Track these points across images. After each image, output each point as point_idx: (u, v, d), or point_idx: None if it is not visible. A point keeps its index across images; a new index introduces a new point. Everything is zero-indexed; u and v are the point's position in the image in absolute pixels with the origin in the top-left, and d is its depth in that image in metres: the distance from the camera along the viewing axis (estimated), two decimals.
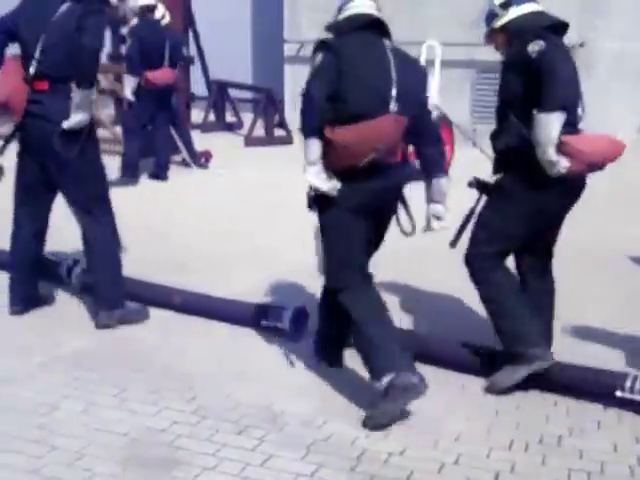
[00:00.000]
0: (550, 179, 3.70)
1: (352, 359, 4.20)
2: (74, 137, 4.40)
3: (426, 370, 4.10)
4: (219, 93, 12.69)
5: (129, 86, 8.95)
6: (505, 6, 3.97)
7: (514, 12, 3.94)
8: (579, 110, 3.89)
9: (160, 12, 9.23)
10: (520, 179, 3.83)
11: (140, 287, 5.03)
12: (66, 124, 4.34)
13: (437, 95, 8.97)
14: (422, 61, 9.22)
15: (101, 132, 11.30)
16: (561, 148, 3.64)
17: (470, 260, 3.99)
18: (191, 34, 12.24)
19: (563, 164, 3.63)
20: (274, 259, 5.74)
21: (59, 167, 4.49)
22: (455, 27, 10.85)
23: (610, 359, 4.16)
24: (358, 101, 3.59)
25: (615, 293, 5.31)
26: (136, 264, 5.38)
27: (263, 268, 5.54)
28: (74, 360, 4.17)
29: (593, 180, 4.05)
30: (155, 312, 4.87)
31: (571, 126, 3.73)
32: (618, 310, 4.94)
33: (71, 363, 4.13)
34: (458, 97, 10.66)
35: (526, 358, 3.81)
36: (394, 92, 3.67)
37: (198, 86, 12.61)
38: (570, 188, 3.89)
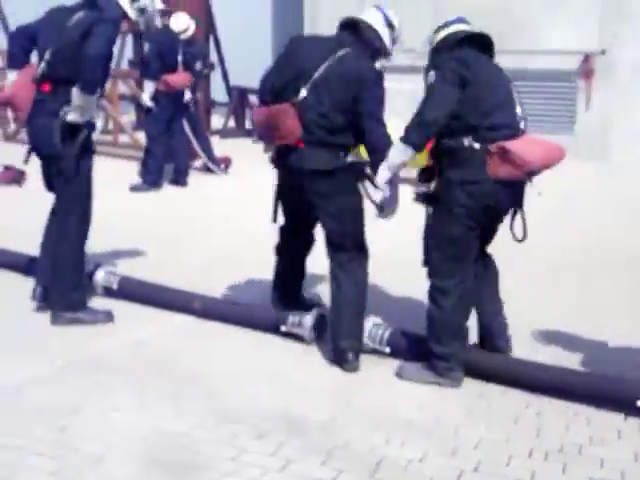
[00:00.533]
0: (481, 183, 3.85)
1: (370, 364, 4.22)
2: (71, 136, 4.56)
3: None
4: (239, 99, 12.74)
5: (147, 91, 9.01)
6: (437, 30, 4.26)
7: (442, 33, 4.21)
8: (516, 116, 4.00)
9: (184, 22, 9.32)
10: (455, 183, 3.92)
11: (160, 292, 5.06)
12: (64, 117, 4.53)
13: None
14: None
15: (121, 138, 11.44)
16: (503, 155, 3.78)
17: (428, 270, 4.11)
18: (212, 41, 12.31)
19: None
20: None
21: (53, 164, 4.68)
22: None
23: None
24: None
25: None
26: (158, 269, 5.44)
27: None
28: (96, 363, 4.20)
29: None
30: (175, 316, 4.90)
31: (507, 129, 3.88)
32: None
33: (92, 366, 4.16)
34: None
35: (440, 371, 4.00)
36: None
37: (218, 92, 12.69)
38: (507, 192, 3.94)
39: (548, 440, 3.50)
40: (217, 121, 12.74)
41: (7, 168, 8.98)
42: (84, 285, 4.92)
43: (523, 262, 6.05)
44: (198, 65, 9.64)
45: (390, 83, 9.02)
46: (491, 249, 4.33)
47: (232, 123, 12.80)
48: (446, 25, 4.24)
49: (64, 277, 4.74)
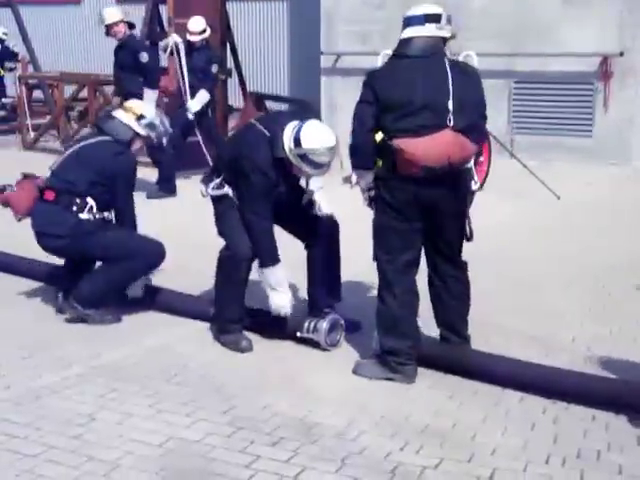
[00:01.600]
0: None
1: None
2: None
3: (459, 383, 4.09)
4: (256, 105, 12.74)
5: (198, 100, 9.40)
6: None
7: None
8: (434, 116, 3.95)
9: (202, 24, 9.45)
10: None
11: (177, 300, 5.09)
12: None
13: None
14: None
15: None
16: (400, 153, 3.90)
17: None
18: (229, 47, 12.34)
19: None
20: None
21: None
22: (493, 37, 10.80)
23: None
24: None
25: None
26: (179, 276, 5.44)
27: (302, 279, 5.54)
28: (111, 371, 4.21)
29: None
30: (191, 323, 4.91)
31: (409, 131, 3.91)
32: None
33: (108, 374, 4.17)
34: (495, 108, 10.57)
35: (393, 366, 4.09)
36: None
37: (236, 98, 12.70)
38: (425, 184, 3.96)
39: (566, 446, 3.46)
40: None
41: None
42: (109, 294, 5.00)
43: (541, 265, 6.03)
44: (214, 68, 9.72)
45: None
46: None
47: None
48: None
49: (97, 281, 4.93)
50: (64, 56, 14.63)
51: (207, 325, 4.86)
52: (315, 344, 4.51)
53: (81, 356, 4.39)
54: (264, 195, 4.37)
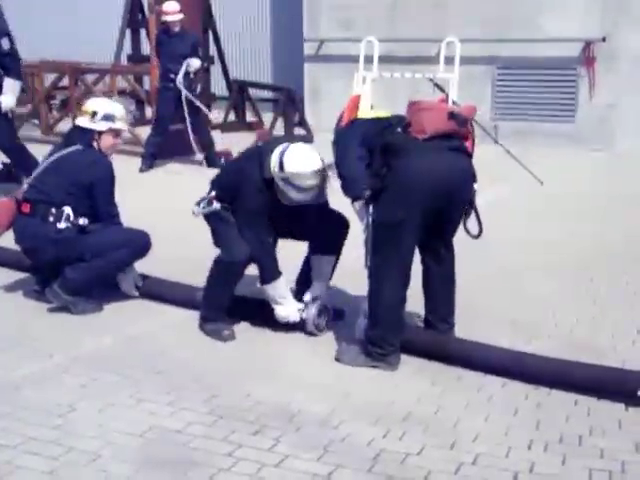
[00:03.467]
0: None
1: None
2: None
3: (443, 370, 4.09)
4: (239, 93, 12.68)
5: None
6: None
7: None
8: None
9: (176, 7, 9.44)
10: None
11: (164, 287, 5.11)
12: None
13: (457, 92, 8.90)
14: (441, 58, 9.18)
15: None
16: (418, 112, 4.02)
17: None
18: (211, 35, 12.26)
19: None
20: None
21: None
22: (475, 24, 10.78)
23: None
24: None
25: None
26: (164, 264, 5.41)
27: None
28: (92, 361, 4.18)
29: None
30: (173, 312, 4.89)
31: None
32: None
33: (89, 364, 4.14)
34: (478, 94, 10.58)
35: (376, 356, 4.08)
36: None
37: (218, 86, 12.64)
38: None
39: (548, 431, 3.47)
40: (217, 115, 12.68)
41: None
42: (94, 283, 4.98)
43: (523, 250, 6.04)
44: (199, 52, 9.70)
45: (389, 72, 9.02)
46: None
47: (232, 117, 12.75)
48: None
49: (83, 270, 4.87)
50: (45, 44, 14.47)
51: (189, 314, 4.84)
52: (300, 329, 4.49)
53: (61, 346, 4.36)
54: (260, 214, 4.36)
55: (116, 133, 5.11)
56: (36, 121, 12.24)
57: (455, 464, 3.20)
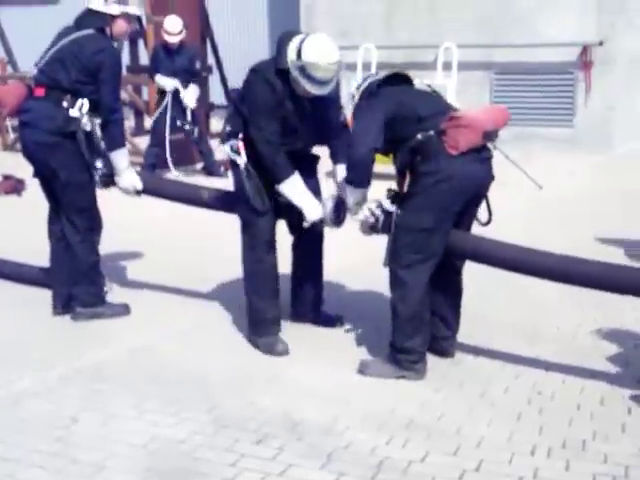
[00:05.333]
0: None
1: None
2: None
3: (445, 376, 4.09)
4: (231, 98, 12.71)
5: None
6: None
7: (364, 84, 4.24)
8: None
9: (179, 25, 9.45)
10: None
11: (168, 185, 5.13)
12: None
13: (455, 97, 8.93)
14: (439, 63, 9.21)
15: None
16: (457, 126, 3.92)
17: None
18: (209, 44, 12.28)
19: None
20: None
21: (48, 175, 4.83)
22: (472, 29, 10.81)
23: None
24: None
25: None
26: (153, 269, 5.40)
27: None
28: (94, 372, 4.17)
29: None
30: (175, 323, 4.88)
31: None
32: None
33: (91, 375, 4.13)
34: (476, 99, 10.59)
35: (405, 364, 4.04)
36: None
37: (217, 95, 12.65)
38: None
39: (551, 436, 3.46)
40: (216, 124, 12.68)
41: (6, 177, 8.97)
42: (101, 281, 5.00)
43: None
44: (197, 64, 9.75)
45: None
46: None
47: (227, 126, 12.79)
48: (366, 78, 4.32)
49: (82, 275, 4.86)
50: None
51: (190, 324, 4.84)
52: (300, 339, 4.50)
53: (63, 357, 4.35)
54: (269, 109, 4.17)
55: (129, 18, 4.94)
56: None
57: (459, 470, 3.20)
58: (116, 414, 3.69)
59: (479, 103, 10.57)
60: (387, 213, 4.13)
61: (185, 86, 9.57)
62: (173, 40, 9.49)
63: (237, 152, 4.33)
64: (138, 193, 4.91)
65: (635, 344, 4.47)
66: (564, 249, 6.14)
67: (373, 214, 4.15)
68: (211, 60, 12.46)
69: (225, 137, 4.46)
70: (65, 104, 4.68)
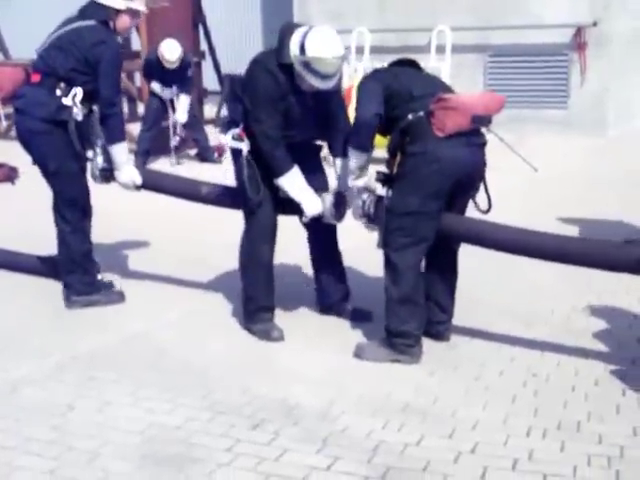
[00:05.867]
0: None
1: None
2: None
3: (439, 360, 4.10)
4: (231, 87, 12.66)
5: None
6: None
7: None
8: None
9: (177, 51, 9.37)
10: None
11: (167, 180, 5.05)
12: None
13: (449, 80, 8.90)
14: (433, 46, 9.18)
15: None
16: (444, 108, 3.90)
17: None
18: (201, 29, 12.23)
19: None
20: (288, 251, 5.71)
21: (41, 162, 4.81)
22: (466, 11, 10.77)
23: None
24: None
25: None
26: (153, 259, 5.39)
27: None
28: (90, 359, 4.17)
29: None
30: (171, 310, 4.88)
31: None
32: None
33: (87, 362, 4.13)
34: (470, 82, 10.57)
35: (401, 348, 4.05)
36: None
37: (210, 81, 12.61)
38: None
39: (546, 418, 3.47)
40: (209, 110, 12.67)
41: None
42: (95, 269, 5.01)
43: None
44: (190, 72, 9.67)
45: (380, 63, 9.00)
46: None
47: (225, 111, 12.74)
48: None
49: (75, 264, 4.87)
50: (34, 43, 14.44)
51: (185, 312, 4.85)
52: (295, 326, 4.50)
53: (59, 345, 4.36)
54: (270, 102, 4.13)
55: (134, 14, 4.87)
56: None
57: (454, 453, 3.21)
58: (112, 401, 3.70)
59: (473, 85, 10.57)
60: (378, 200, 4.15)
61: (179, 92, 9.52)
62: (171, 67, 9.39)
63: (240, 139, 4.30)
64: (137, 188, 4.89)
65: (629, 324, 4.49)
66: (560, 231, 6.16)
67: (364, 201, 4.16)
68: (204, 46, 12.41)
69: (225, 126, 4.42)
70: (59, 92, 4.65)
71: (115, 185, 4.98)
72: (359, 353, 4.15)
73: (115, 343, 4.40)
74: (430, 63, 9.04)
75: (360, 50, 9.82)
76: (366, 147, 4.08)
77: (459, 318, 4.39)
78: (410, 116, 3.94)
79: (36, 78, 4.74)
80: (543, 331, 4.40)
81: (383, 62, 7.97)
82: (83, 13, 4.79)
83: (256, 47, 14.58)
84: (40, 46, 4.84)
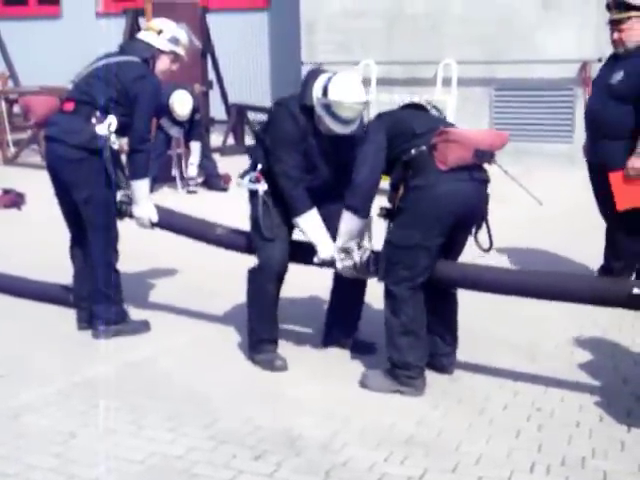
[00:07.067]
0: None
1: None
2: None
3: (443, 393, 4.08)
4: (238, 116, 12.74)
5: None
6: None
7: None
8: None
9: (189, 105, 9.35)
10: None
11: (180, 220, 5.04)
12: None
13: (454, 114, 8.96)
14: (439, 79, 9.25)
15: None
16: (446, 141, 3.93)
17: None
18: (209, 59, 12.33)
19: None
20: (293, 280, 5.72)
21: (70, 191, 4.76)
22: (472, 45, 10.85)
23: None
24: None
25: None
26: (156, 284, 5.39)
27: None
28: (92, 387, 4.16)
29: None
30: (175, 337, 4.87)
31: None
32: None
33: (89, 390, 4.12)
34: (476, 115, 10.63)
35: (404, 380, 4.04)
36: None
37: (217, 110, 12.69)
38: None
39: (550, 454, 3.45)
40: (216, 139, 12.74)
41: (6, 191, 8.99)
42: (122, 299, 4.99)
43: None
44: (197, 116, 9.65)
45: (384, 95, 9.05)
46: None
47: (231, 140, 12.79)
48: None
49: (102, 294, 4.84)
50: (44, 70, 14.55)
51: (190, 339, 4.84)
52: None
53: (62, 372, 4.35)
54: (291, 143, 4.19)
55: (175, 58, 4.97)
56: (35, 146, 12.29)
57: None
58: (114, 429, 3.69)
59: (479, 119, 10.65)
60: (365, 252, 4.21)
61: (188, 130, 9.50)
62: (182, 120, 9.36)
63: (256, 181, 4.36)
64: (152, 225, 4.91)
65: (634, 360, 4.47)
66: (565, 266, 6.16)
67: (355, 263, 4.19)
68: (212, 75, 12.51)
69: (243, 172, 4.47)
70: (94, 120, 4.66)
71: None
72: (364, 381, 4.15)
73: (118, 370, 4.39)
74: (436, 96, 9.09)
75: (367, 82, 9.87)
76: (360, 209, 4.10)
77: (462, 351, 4.37)
78: (413, 151, 3.97)
79: (69, 106, 4.75)
80: (547, 365, 4.38)
81: (390, 93, 8.05)
82: (125, 50, 4.91)
83: (263, 78, 14.72)
84: (75, 76, 4.88)
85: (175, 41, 4.93)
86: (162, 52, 4.90)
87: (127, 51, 4.88)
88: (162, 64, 4.92)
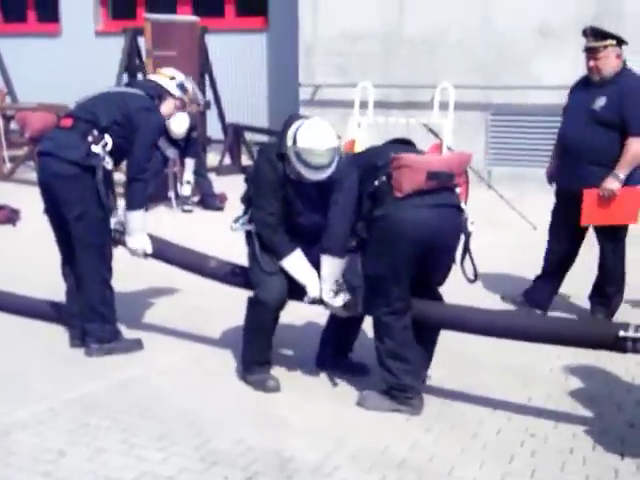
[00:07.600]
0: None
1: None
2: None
3: (437, 416, 4.06)
4: (235, 136, 12.76)
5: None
6: None
7: None
8: None
9: (186, 124, 9.37)
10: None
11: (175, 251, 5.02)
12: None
13: (451, 137, 8.99)
14: (436, 103, 9.29)
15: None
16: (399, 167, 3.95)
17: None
18: (207, 79, 12.37)
19: None
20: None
21: (61, 208, 4.73)
22: (469, 70, 10.91)
23: None
24: None
25: None
26: (152, 306, 5.36)
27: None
28: (82, 405, 4.13)
29: None
30: (167, 357, 4.85)
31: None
32: None
33: (79, 408, 4.09)
34: (472, 139, 10.67)
35: (402, 400, 4.06)
36: None
37: (214, 130, 12.71)
38: None
39: None
40: (213, 158, 12.75)
41: (1, 207, 8.96)
42: (115, 317, 4.95)
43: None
44: (194, 134, 9.67)
45: (384, 117, 9.09)
46: None
47: (228, 160, 12.80)
48: None
49: (94, 313, 4.81)
50: (42, 88, 14.56)
51: (183, 358, 4.81)
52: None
53: (53, 390, 4.32)
54: (269, 189, 4.23)
55: (180, 105, 5.10)
56: (31, 163, 12.28)
57: None
58: (104, 448, 3.66)
59: (475, 143, 10.68)
60: (350, 288, 4.19)
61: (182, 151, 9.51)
62: (178, 139, 9.38)
63: (248, 223, 4.42)
64: (145, 256, 4.91)
65: (628, 388, 4.46)
66: (561, 292, 6.14)
67: (347, 303, 4.20)
68: (209, 95, 12.54)
69: (236, 217, 4.51)
70: (90, 138, 4.67)
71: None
72: (361, 402, 4.16)
73: (110, 389, 4.36)
74: (433, 119, 9.12)
75: (364, 105, 9.91)
76: (334, 250, 4.14)
77: (455, 375, 4.36)
78: (376, 182, 4.01)
79: (67, 122, 4.76)
80: (540, 391, 4.37)
81: (387, 116, 8.07)
82: (132, 85, 5.04)
83: (261, 98, 14.75)
84: (80, 99, 4.90)
85: (184, 89, 5.09)
86: (170, 95, 5.03)
87: (134, 86, 4.98)
88: (167, 107, 5.03)
